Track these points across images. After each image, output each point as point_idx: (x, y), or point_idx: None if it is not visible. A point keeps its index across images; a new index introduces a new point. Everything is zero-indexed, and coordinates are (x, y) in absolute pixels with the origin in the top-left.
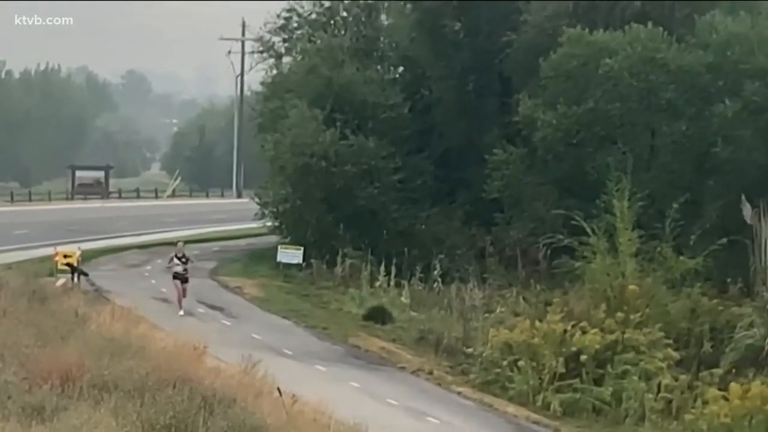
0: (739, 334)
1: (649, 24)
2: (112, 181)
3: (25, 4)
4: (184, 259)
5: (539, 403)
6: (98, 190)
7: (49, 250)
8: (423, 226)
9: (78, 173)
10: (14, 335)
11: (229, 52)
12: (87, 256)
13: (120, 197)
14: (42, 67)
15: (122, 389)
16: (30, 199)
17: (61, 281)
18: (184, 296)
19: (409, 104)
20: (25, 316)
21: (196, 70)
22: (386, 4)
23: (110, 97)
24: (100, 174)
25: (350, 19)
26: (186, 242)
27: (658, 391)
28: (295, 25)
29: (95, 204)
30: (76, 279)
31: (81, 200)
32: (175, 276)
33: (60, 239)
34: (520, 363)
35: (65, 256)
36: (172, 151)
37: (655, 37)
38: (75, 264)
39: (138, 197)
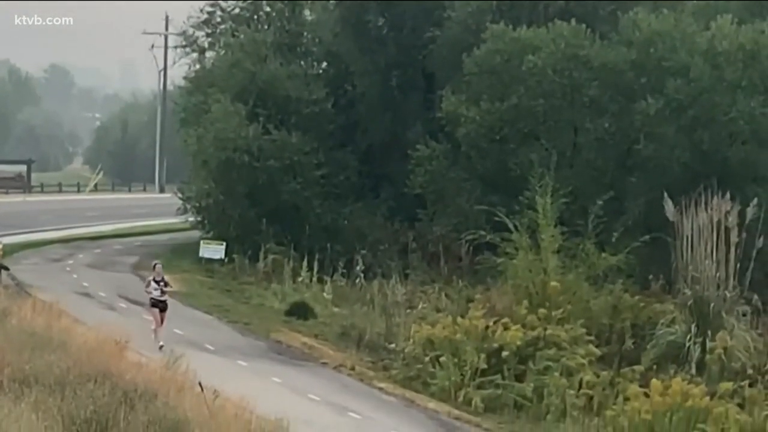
0: (660, 331)
1: (573, 21)
2: (34, 175)
3: None
4: (163, 284)
5: (461, 399)
6: (20, 183)
7: None
8: (346, 222)
9: (0, 167)
10: None
11: (152, 46)
12: (8, 250)
13: (42, 191)
14: None
15: (43, 383)
16: None
17: None
18: (161, 325)
19: (333, 99)
20: None
21: (119, 64)
22: None
23: (33, 90)
24: (22, 168)
25: (274, 14)
26: (108, 237)
27: (580, 388)
28: (219, 19)
29: (17, 198)
30: None
31: (2, 194)
32: (153, 303)
33: None
34: (442, 359)
35: None
36: (95, 145)
37: (579, 34)
38: None
39: (60, 191)
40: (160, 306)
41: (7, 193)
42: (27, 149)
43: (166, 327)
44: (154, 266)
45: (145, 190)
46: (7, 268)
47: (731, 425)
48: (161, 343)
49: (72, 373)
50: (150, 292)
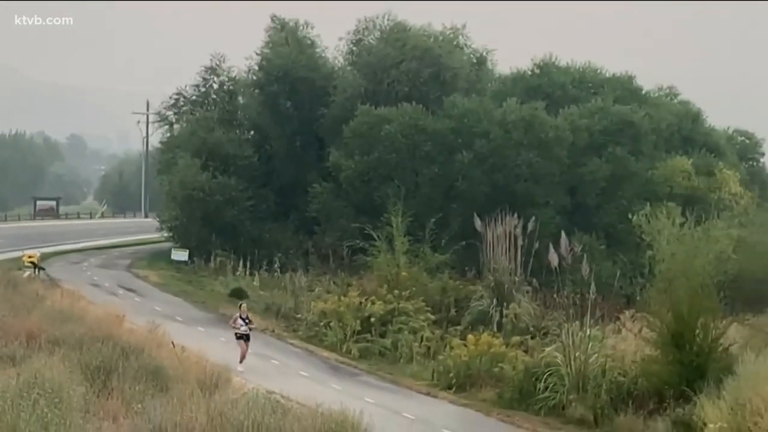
0: (473, 304)
1: (413, 102)
2: (61, 208)
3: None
4: (247, 320)
5: (344, 350)
6: (52, 213)
7: (18, 253)
8: (267, 235)
9: (38, 202)
10: None
11: (138, 122)
12: (44, 256)
13: (66, 218)
14: (13, 132)
15: (68, 344)
16: (5, 220)
17: (26, 273)
18: (246, 352)
19: (257, 155)
20: (2, 296)
21: (117, 133)
22: (242, 89)
23: (59, 151)
24: (53, 203)
25: (218, 99)
26: (110, 247)
27: (421, 341)
28: (182, 103)
29: (50, 222)
30: (36, 272)
31: (40, 220)
32: (239, 336)
33: (26, 246)
34: (332, 324)
35: (29, 257)
36: (101, 187)
37: (418, 111)
38: (36, 262)
39: (78, 218)
40: (245, 338)
41: (43, 219)
42: (56, 190)
43: (146, 303)
44: (240, 306)
45: (134, 216)
46: (43, 269)
47: (519, 363)
48: (241, 369)
49: (87, 337)
50: (236, 327)
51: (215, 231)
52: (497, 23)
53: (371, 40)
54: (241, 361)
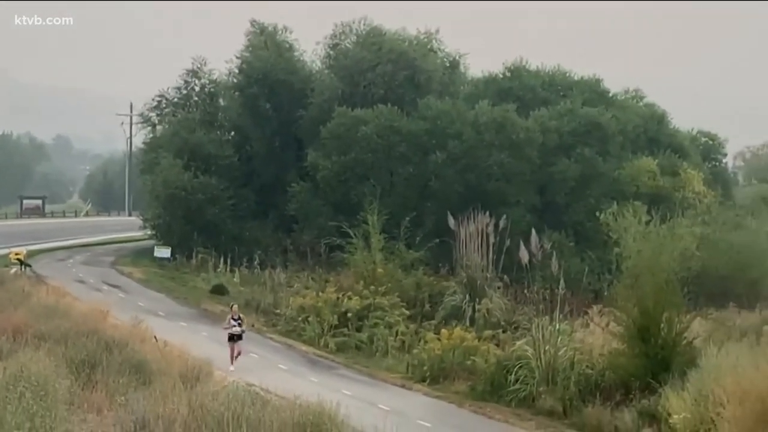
0: (446, 299)
1: (389, 104)
2: (47, 206)
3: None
4: (239, 321)
5: (322, 344)
6: (38, 212)
7: (5, 251)
8: (248, 233)
9: (25, 201)
10: None
11: (122, 123)
12: (30, 253)
13: (52, 216)
14: (0, 133)
15: (53, 338)
16: None
17: (13, 270)
18: (238, 354)
19: (238, 156)
20: None
21: (101, 133)
22: (222, 91)
23: (45, 152)
24: (39, 201)
25: (199, 101)
26: (95, 245)
27: (397, 335)
28: (164, 105)
29: (36, 221)
30: (23, 269)
31: (26, 218)
32: (230, 337)
33: (12, 243)
34: (310, 318)
35: (16, 254)
36: (86, 187)
37: (393, 112)
38: (22, 259)
39: (64, 216)
40: (236, 338)
41: (29, 217)
42: (42, 190)
43: (130, 299)
44: (231, 307)
45: (118, 214)
46: (30, 265)
47: (491, 356)
48: (232, 368)
49: (72, 331)
50: (228, 328)
51: (197, 229)
52: (471, 27)
53: (348, 44)
54: (232, 359)
